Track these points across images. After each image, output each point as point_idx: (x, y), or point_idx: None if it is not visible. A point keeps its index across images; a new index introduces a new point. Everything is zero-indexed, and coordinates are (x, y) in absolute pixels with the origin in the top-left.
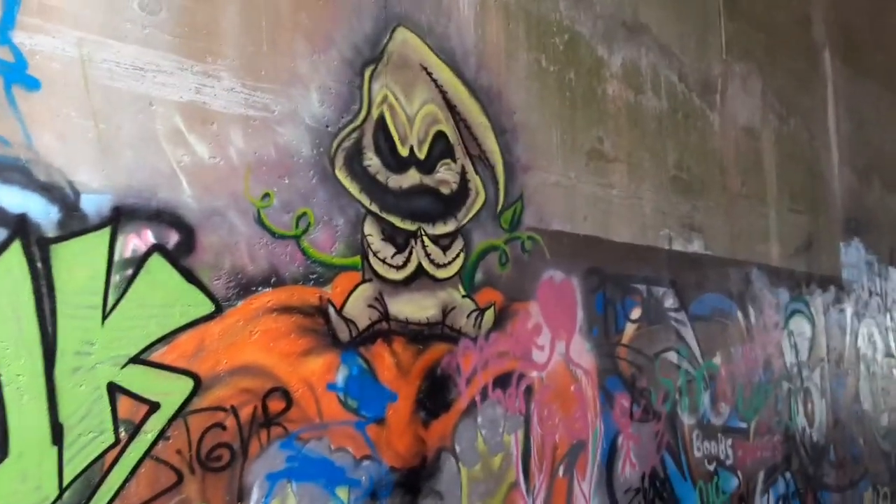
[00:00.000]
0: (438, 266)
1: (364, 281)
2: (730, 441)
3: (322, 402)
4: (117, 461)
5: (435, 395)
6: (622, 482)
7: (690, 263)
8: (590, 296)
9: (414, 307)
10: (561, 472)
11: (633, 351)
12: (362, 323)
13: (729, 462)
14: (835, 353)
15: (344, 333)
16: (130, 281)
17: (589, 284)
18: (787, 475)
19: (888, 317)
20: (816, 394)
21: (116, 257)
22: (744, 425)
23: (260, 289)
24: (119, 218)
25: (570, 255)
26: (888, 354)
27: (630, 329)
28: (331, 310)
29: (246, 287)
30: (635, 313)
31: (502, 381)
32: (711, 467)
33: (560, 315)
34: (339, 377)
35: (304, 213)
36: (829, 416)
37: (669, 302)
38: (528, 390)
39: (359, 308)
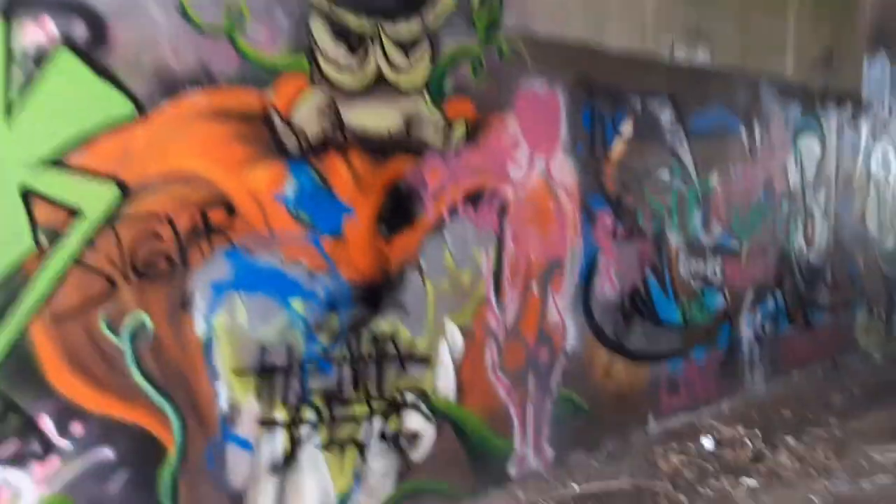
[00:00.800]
0: (400, 72)
1: (312, 85)
2: (719, 260)
3: (269, 214)
4: (41, 268)
5: (397, 211)
6: (600, 300)
7: (693, 76)
8: (576, 109)
9: (373, 117)
10: (535, 289)
11: (620, 168)
12: (313, 133)
13: (717, 281)
14: (844, 174)
15: (292, 143)
16: (36, 78)
17: (576, 97)
18: (778, 295)
19: None
20: (819, 215)
21: (15, 49)
22: (736, 245)
23: (188, 87)
24: (11, 3)
25: (555, 63)
26: None
27: (619, 146)
28: (275, 117)
29: (171, 87)
30: (626, 129)
31: (474, 198)
32: (697, 286)
33: (541, 130)
34: (288, 189)
35: (236, 4)
36: (830, 238)
37: (666, 117)
38: (503, 207)
39: (308, 116)
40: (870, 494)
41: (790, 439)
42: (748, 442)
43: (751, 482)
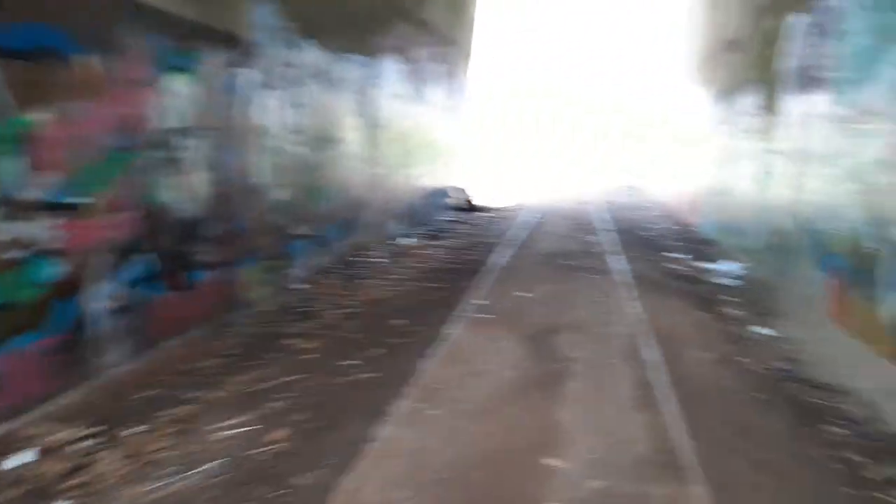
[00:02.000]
0: None
1: None
2: (56, 220)
3: None
4: None
5: None
6: None
7: None
8: None
9: None
10: None
11: None
12: None
13: (51, 246)
14: (228, 122)
15: None
16: None
17: None
18: (147, 256)
19: (298, 92)
20: (199, 165)
21: None
22: (83, 200)
23: None
24: None
25: None
26: (295, 130)
27: None
28: None
29: None
30: None
31: None
32: (20, 253)
33: None
34: None
35: None
36: (212, 190)
37: None
38: None
39: None
40: (185, 494)
41: (137, 429)
42: (77, 447)
43: None
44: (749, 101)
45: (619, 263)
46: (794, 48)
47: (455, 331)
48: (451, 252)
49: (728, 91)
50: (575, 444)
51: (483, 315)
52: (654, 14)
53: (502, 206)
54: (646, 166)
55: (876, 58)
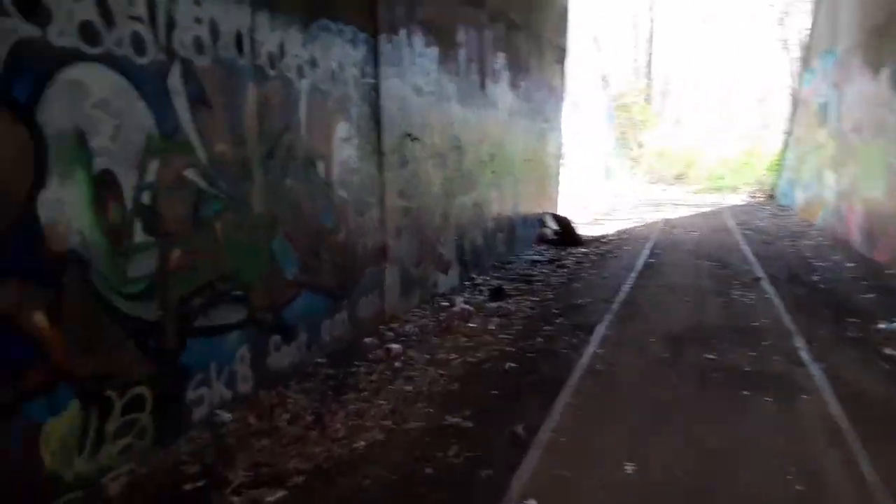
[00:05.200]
0: None
1: None
2: None
3: None
4: None
5: None
6: None
7: None
8: None
9: None
10: None
11: None
12: None
13: None
14: None
15: None
16: None
17: None
18: None
19: None
20: None
21: None
22: None
23: None
24: None
25: None
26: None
27: None
28: None
29: None
30: None
31: None
32: None
33: None
34: None
35: None
36: None
37: None
38: None
39: None
40: None
41: None
42: None
43: None
44: None
45: (797, 357)
46: None
47: None
48: (520, 328)
49: None
50: None
51: None
52: None
53: (609, 234)
54: (789, 174)
55: None
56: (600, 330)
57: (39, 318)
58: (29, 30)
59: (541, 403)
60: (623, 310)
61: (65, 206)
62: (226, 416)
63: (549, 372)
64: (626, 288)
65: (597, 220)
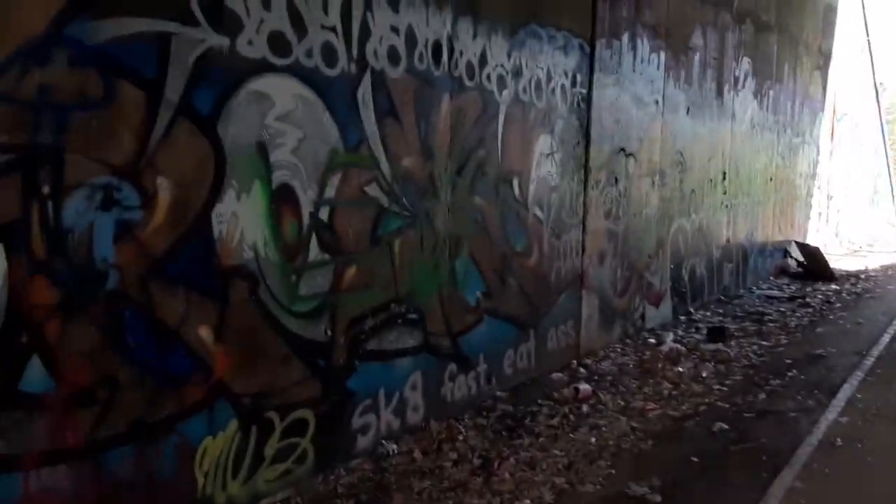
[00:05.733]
0: None
1: None
2: None
3: None
4: None
5: None
6: None
7: None
8: None
9: None
10: None
11: None
12: None
13: None
14: None
15: None
16: None
17: None
18: None
19: None
20: None
21: None
22: None
23: None
24: None
25: None
26: None
27: None
28: None
29: None
30: None
31: None
32: None
33: None
34: None
35: None
36: None
37: None
38: None
39: None
40: None
41: None
42: None
43: None
44: None
45: None
46: None
47: None
48: (739, 379)
49: None
50: None
51: None
52: None
53: (870, 268)
54: None
55: None
56: (846, 391)
57: (204, 332)
58: (218, 40)
59: (753, 484)
60: (880, 367)
61: (240, 220)
62: (391, 446)
63: (769, 441)
64: (885, 339)
65: (855, 251)
